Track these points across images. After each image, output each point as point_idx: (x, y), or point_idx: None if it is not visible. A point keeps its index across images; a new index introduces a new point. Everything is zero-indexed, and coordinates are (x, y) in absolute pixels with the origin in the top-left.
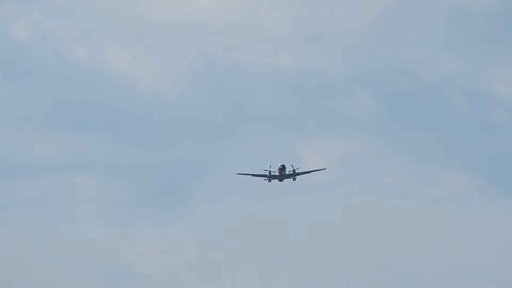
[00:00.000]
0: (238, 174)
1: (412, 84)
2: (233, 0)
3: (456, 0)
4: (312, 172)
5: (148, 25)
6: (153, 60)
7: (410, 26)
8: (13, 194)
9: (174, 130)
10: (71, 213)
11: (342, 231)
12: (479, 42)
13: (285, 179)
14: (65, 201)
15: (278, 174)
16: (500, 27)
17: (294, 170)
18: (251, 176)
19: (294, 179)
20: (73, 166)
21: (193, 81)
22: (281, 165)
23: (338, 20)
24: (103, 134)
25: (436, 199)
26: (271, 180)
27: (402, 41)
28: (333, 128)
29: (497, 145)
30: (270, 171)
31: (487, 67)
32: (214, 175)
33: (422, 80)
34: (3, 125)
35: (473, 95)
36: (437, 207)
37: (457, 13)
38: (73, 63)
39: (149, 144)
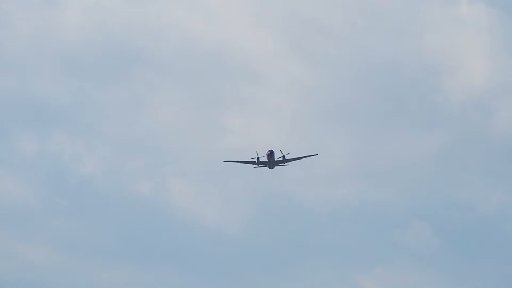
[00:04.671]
0: (225, 161)
1: (467, 217)
2: (294, 134)
3: (508, 136)
4: (303, 158)
5: (211, 159)
6: (217, 195)
7: (464, 160)
8: None
9: (237, 263)
10: None
11: None
12: None
13: (275, 167)
14: None
15: (267, 161)
16: None
17: (283, 156)
18: (239, 163)
19: (285, 165)
20: None
21: (256, 216)
22: (269, 151)
23: (395, 155)
24: (168, 266)
25: None
26: (260, 167)
27: (456, 175)
28: (392, 260)
29: None
30: (258, 157)
31: None
32: None
33: (477, 214)
34: (72, 256)
35: None
36: None
37: (509, 148)
38: (136, 197)
39: (213, 276)
